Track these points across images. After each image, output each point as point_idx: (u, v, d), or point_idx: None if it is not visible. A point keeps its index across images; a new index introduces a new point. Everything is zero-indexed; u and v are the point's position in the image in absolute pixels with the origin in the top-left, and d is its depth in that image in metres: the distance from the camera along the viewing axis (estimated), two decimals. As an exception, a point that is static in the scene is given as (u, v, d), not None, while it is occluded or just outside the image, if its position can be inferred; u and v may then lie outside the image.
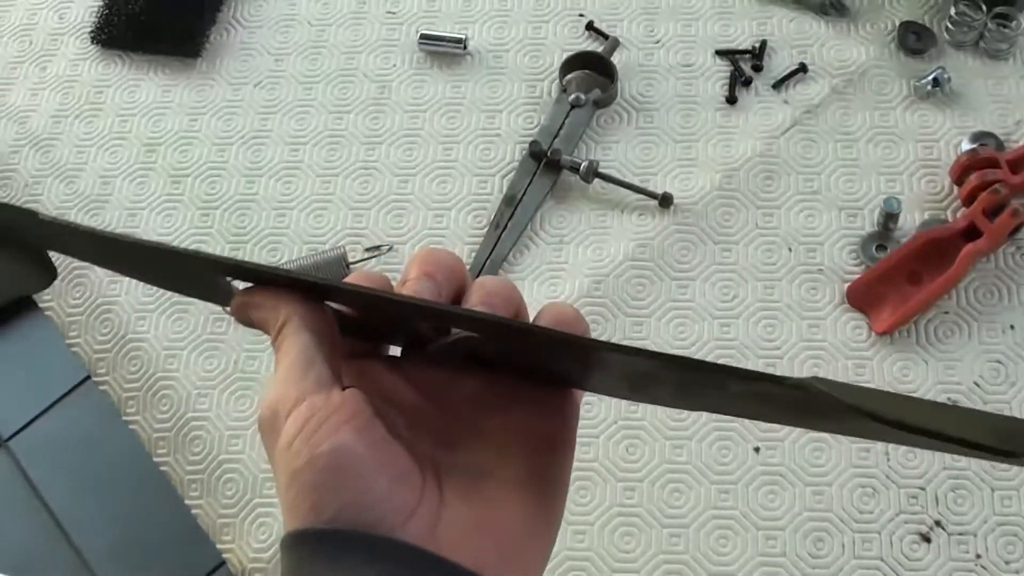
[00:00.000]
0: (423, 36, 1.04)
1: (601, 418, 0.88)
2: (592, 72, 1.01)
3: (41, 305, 1.00)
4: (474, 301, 0.46)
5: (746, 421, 0.87)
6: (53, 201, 1.03)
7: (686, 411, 0.87)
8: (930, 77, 0.99)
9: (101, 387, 0.95)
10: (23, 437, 2.01)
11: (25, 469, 1.98)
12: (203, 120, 1.05)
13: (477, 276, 0.82)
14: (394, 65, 1.05)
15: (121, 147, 1.05)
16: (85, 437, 1.99)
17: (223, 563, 1.81)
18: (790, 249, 0.93)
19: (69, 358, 2.00)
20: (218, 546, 0.89)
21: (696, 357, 0.88)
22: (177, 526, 1.86)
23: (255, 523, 0.87)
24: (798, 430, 0.86)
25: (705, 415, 0.87)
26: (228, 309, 0.51)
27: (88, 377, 1.99)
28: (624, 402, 0.88)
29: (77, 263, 0.99)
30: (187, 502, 0.90)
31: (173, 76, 1.08)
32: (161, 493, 1.86)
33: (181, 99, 1.07)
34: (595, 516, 0.85)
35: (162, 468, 0.91)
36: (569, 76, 1.01)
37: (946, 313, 0.90)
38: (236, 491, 0.89)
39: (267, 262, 0.97)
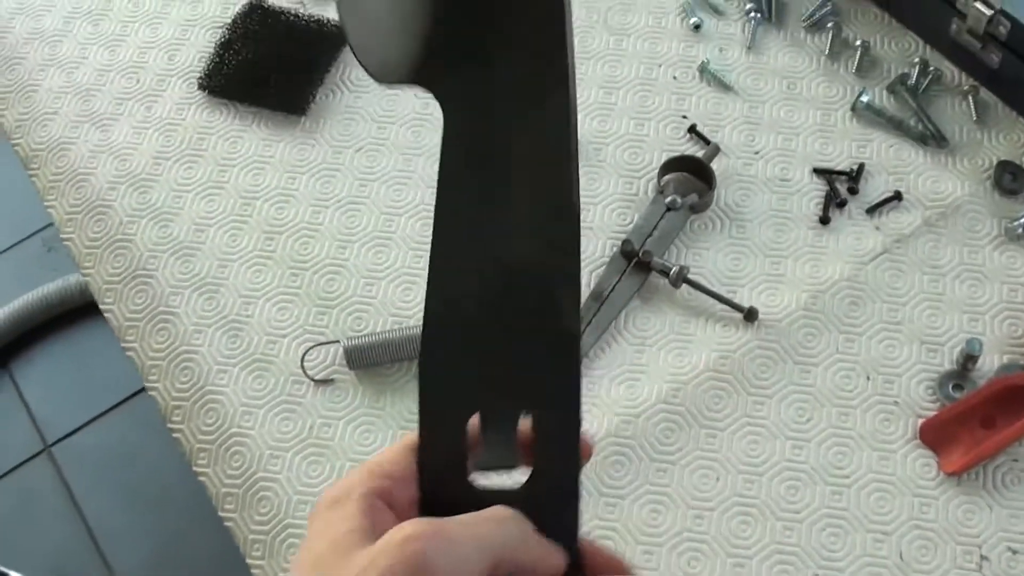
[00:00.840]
0: (527, 122, 1.06)
1: (666, 527, 0.88)
2: (690, 176, 1.03)
3: (123, 345, 1.01)
4: None
5: (808, 547, 0.87)
6: (146, 243, 1.05)
7: (749, 530, 0.88)
8: (1022, 220, 1.00)
9: (175, 435, 0.96)
10: (67, 444, 2.03)
11: (65, 477, 2.00)
12: (301, 179, 1.07)
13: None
14: (495, 146, 1.07)
15: (218, 196, 1.07)
16: (129, 451, 2.01)
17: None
18: (868, 378, 0.94)
19: (123, 371, 2.02)
20: None
21: (763, 481, 0.89)
22: (213, 552, 1.88)
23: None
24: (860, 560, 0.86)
25: (767, 537, 0.88)
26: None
27: (140, 391, 2.02)
28: (689, 513, 0.89)
29: (165, 308, 1.00)
30: (248, 561, 0.91)
31: (276, 131, 1.10)
32: (199, 518, 1.88)
33: (282, 155, 1.08)
34: (651, 626, 0.85)
35: (227, 524, 0.93)
36: (667, 177, 1.03)
37: (1015, 461, 0.90)
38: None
39: (353, 330, 0.98)
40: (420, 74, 0.49)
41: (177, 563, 1.93)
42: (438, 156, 1.04)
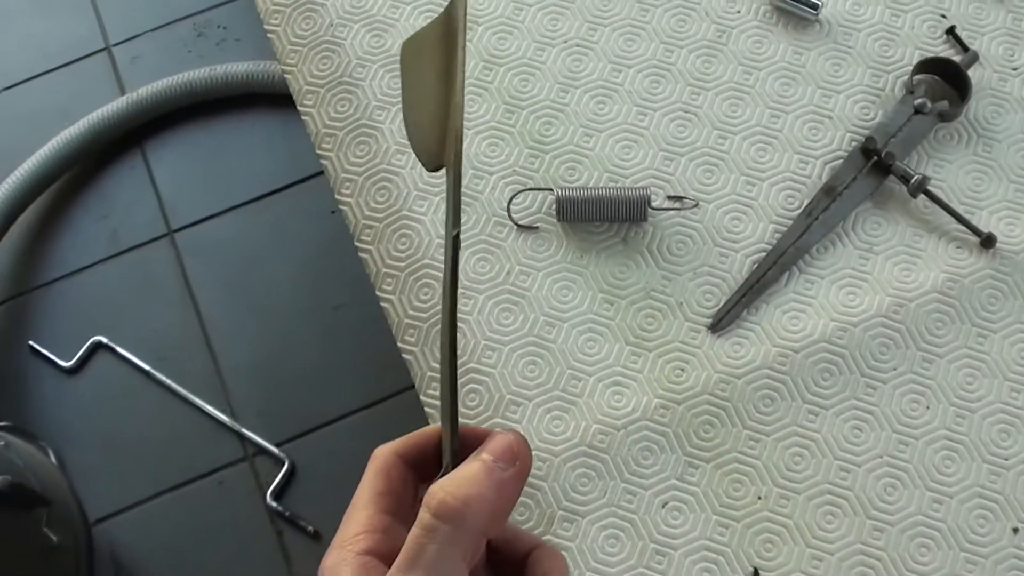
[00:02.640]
0: (778, -9, 0.98)
1: (868, 447, 0.84)
2: (942, 81, 0.95)
3: (319, 152, 0.97)
4: None
5: (1012, 497, 0.82)
6: (356, 49, 0.99)
7: (953, 467, 0.83)
8: None
9: (362, 255, 0.92)
10: (191, 233, 2.02)
11: (184, 265, 1.99)
12: (528, 12, 1.00)
13: (778, 259, 0.79)
14: (739, 11, 0.99)
15: (435, 15, 1.00)
16: (251, 252, 1.99)
17: (354, 412, 1.81)
18: (1102, 330, 0.88)
19: (256, 170, 1.99)
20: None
21: (975, 419, 0.83)
22: (316, 363, 1.87)
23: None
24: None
25: (971, 478, 0.83)
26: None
27: (270, 193, 2.00)
28: (893, 438, 0.84)
29: (368, 121, 0.95)
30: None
31: (506, -45, 1.03)
32: (309, 329, 1.86)
33: (510, -18, 1.02)
34: (836, 547, 0.81)
35: (405, 356, 0.89)
36: (919, 78, 0.95)
37: None
38: (479, 401, 0.86)
39: (564, 180, 0.93)
40: None
41: (280, 367, 1.93)
42: (676, 9, 0.98)
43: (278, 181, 2.06)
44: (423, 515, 0.55)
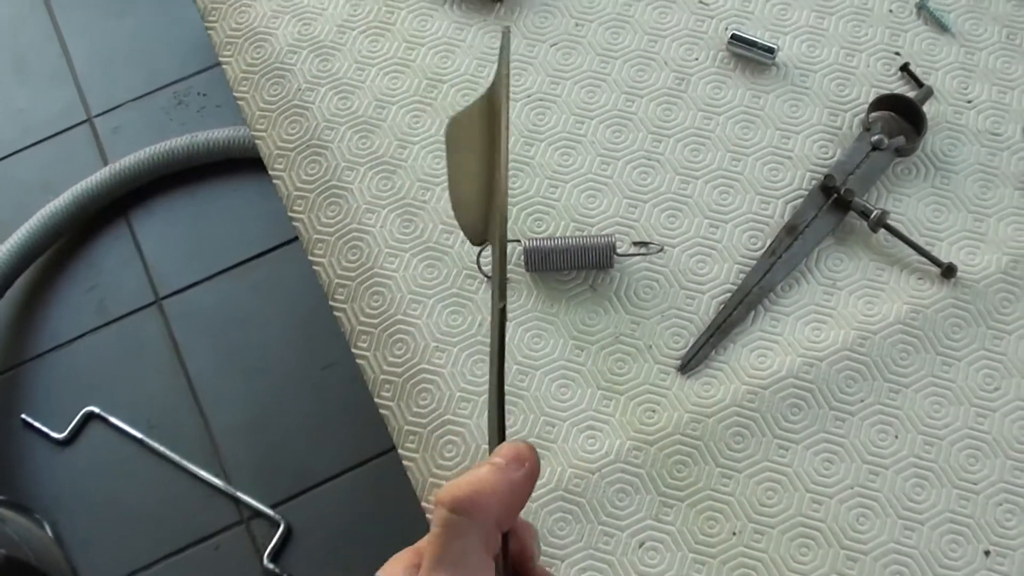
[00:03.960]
0: (734, 36, 1.01)
1: (838, 479, 0.85)
2: (899, 117, 0.97)
3: (290, 215, 0.99)
4: None
5: (982, 520, 0.83)
6: (323, 112, 1.01)
7: (923, 494, 0.84)
8: None
9: (336, 313, 0.94)
10: (178, 300, 2.03)
11: (173, 331, 2.00)
12: (492, 68, 1.03)
13: (743, 298, 0.80)
14: (696, 59, 1.02)
15: (403, 75, 1.03)
16: (238, 315, 2.01)
17: (347, 471, 1.82)
18: (1064, 354, 0.89)
19: (240, 235, 2.01)
20: (399, 451, 0.89)
21: (943, 446, 0.85)
22: (307, 421, 1.89)
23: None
24: (1034, 543, 0.83)
25: (941, 504, 0.84)
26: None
27: (254, 257, 2.01)
28: (863, 468, 0.86)
29: (337, 182, 0.97)
30: (400, 452, 0.89)
31: (469, 15, 1.06)
32: (298, 388, 1.88)
33: (473, 40, 1.04)
34: (812, 578, 0.83)
35: (383, 412, 0.90)
36: (875, 115, 0.97)
37: None
38: (455, 452, 0.87)
39: (532, 231, 0.95)
40: None
41: (272, 428, 1.94)
42: (635, 60, 1.00)
43: (263, 244, 2.08)
44: (439, 514, 0.55)
